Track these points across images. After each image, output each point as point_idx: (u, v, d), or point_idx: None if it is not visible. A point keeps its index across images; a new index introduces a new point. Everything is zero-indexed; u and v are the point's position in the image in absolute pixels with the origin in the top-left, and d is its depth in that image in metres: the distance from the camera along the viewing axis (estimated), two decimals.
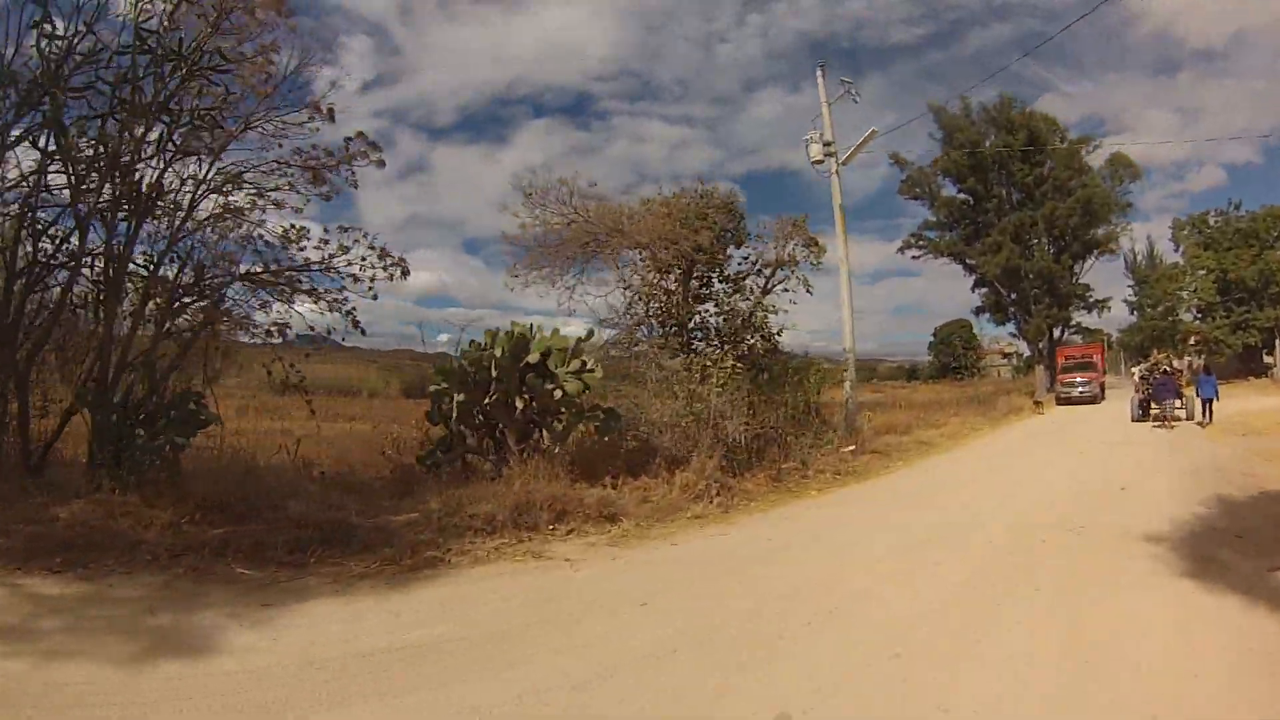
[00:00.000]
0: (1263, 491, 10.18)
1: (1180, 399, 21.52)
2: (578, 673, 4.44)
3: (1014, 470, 14.36)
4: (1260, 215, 43.28)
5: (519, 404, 10.77)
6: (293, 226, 10.79)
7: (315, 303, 10.84)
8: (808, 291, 17.43)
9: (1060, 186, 46.41)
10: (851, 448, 15.38)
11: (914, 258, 50.43)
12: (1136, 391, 23.26)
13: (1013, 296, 47.14)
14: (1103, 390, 35.64)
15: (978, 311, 50.65)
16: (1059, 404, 34.15)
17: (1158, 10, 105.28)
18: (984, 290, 48.94)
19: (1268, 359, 42.29)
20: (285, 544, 6.94)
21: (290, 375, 11.16)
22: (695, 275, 16.95)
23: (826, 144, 19.18)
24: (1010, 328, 49.40)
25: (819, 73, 20.04)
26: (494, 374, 10.53)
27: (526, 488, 8.68)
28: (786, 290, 17.52)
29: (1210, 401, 20.41)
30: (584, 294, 16.67)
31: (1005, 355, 78.06)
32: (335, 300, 10.94)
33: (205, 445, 9.73)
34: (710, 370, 12.86)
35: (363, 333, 11.51)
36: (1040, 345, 47.17)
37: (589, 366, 11.08)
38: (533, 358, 10.70)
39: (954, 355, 75.31)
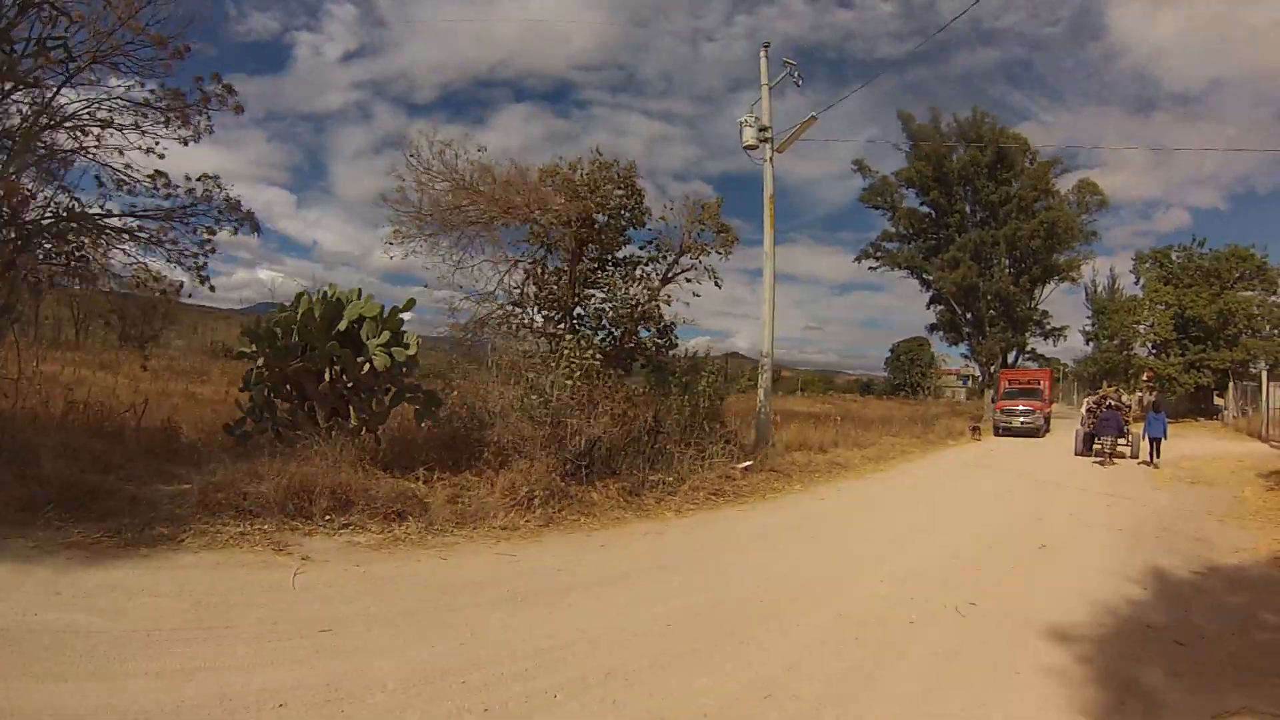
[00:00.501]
0: (1213, 567, 7.97)
1: (1125, 436, 20.37)
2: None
3: (921, 509, 12.16)
4: (1223, 255, 41.92)
5: (328, 375, 9.85)
6: (158, 173, 10.29)
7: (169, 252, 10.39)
8: (715, 284, 15.56)
9: (1025, 207, 45.39)
10: (747, 464, 13.42)
11: (871, 268, 48.89)
12: (1082, 424, 21.75)
13: (968, 316, 45.62)
14: (1047, 422, 30.61)
15: (932, 329, 49.13)
16: (996, 434, 29.08)
17: (1138, 49, 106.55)
18: (940, 307, 47.32)
19: (1218, 401, 40.94)
20: (16, 501, 6.66)
21: (129, 328, 10.21)
22: (588, 256, 14.80)
23: (762, 129, 17.36)
24: (963, 348, 47.82)
25: (762, 53, 18.02)
26: (301, 339, 9.68)
27: (303, 470, 7.86)
28: (690, 280, 15.47)
29: (1159, 441, 18.98)
30: (474, 267, 14.50)
31: (962, 377, 76.75)
32: (186, 254, 10.50)
33: None
34: (565, 357, 11.51)
35: (211, 289, 11.09)
36: (992, 369, 45.54)
37: (405, 340, 10.13)
38: (342, 325, 9.79)
39: (907, 372, 73.24)
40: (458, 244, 14.12)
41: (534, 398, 10.70)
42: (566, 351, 11.63)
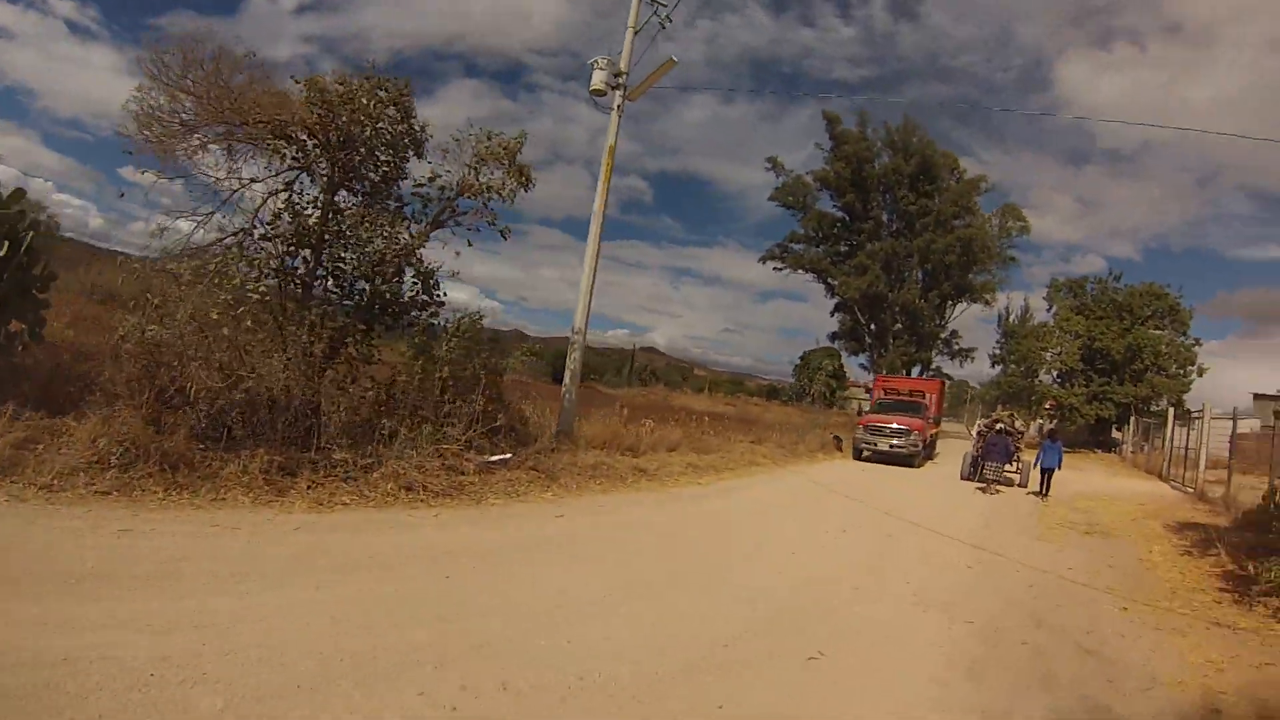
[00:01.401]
0: None
1: (1014, 462, 19.01)
2: None
3: (689, 558, 8.06)
4: (1138, 291, 40.51)
5: None
6: None
7: None
8: (501, 235, 12.28)
9: (944, 222, 42.99)
10: (503, 457, 10.68)
11: (776, 269, 45.82)
12: (972, 448, 20.21)
13: (872, 326, 42.92)
14: (930, 447, 24.59)
15: (834, 337, 46.28)
16: (858, 458, 22.48)
17: (1078, 105, 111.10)
18: (844, 315, 44.59)
19: (1117, 434, 39.22)
20: None
21: None
22: (352, 189, 11.10)
23: (617, 73, 15.12)
24: (864, 359, 45.20)
25: None
26: None
27: None
28: (474, 230, 11.93)
29: (1051, 473, 17.10)
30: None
31: (869, 389, 74.88)
32: None
33: None
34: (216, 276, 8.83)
35: None
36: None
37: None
38: None
39: (810, 380, 71.29)
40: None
41: (153, 328, 8.31)
42: (215, 268, 8.82)
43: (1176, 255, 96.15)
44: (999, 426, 19.76)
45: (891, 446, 21.70)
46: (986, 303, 45.66)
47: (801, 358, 74.09)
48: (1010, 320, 45.31)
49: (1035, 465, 17.43)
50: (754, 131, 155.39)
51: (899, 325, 42.73)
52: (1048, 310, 42.57)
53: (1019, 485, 18.64)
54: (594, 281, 14.97)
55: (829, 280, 43.80)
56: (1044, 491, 16.93)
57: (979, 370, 55.77)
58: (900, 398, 26.68)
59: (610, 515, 9.76)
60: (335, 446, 8.89)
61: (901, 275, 42.64)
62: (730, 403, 49.70)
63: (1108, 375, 38.68)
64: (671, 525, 9.80)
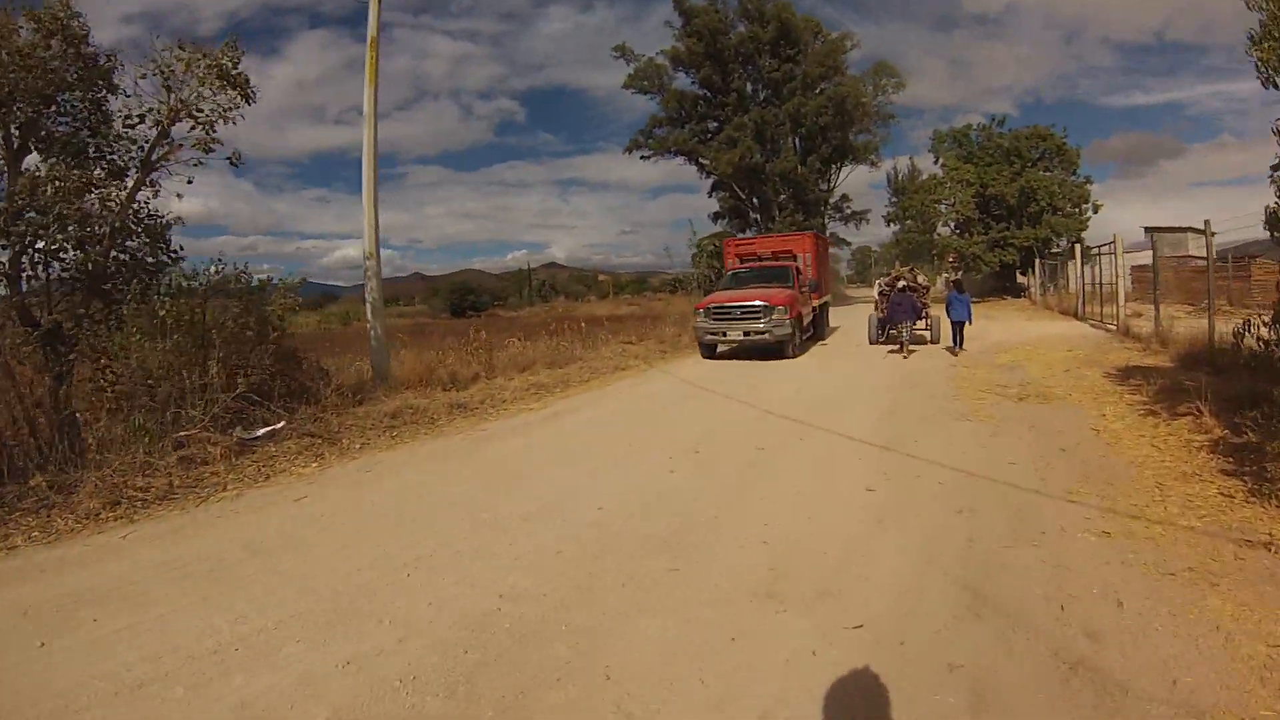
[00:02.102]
0: None
1: (923, 319, 17.54)
2: None
3: (417, 552, 4.96)
4: (1023, 134, 38.60)
5: None
6: None
7: None
8: (231, 162, 9.89)
9: (812, 85, 40.10)
10: (273, 428, 8.86)
11: (643, 158, 42.51)
12: (876, 309, 18.85)
13: (754, 201, 40.01)
14: (812, 325, 19.18)
15: (715, 216, 43.32)
16: (708, 356, 17.20)
17: None
18: (722, 193, 41.72)
19: (1022, 279, 37.91)
20: None
21: None
22: (37, 149, 8.41)
23: None
24: (752, 234, 42.64)
25: None
26: None
27: None
28: (198, 164, 9.40)
29: (961, 326, 15.93)
30: None
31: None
32: None
33: None
34: None
35: None
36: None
37: None
38: None
39: (710, 266, 69.19)
40: None
41: None
42: None
43: (1051, 107, 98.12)
44: (901, 284, 18.16)
45: (748, 334, 16.07)
46: (872, 164, 43.51)
47: (698, 245, 72.54)
48: (899, 179, 43.14)
49: (946, 318, 16.20)
50: (615, 36, 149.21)
51: (783, 196, 40.05)
52: (935, 163, 40.51)
53: (932, 343, 17.36)
54: (377, 195, 12.56)
55: (700, 160, 40.70)
56: (957, 346, 15.75)
57: (879, 233, 54.22)
58: (761, 265, 19.57)
59: (374, 485, 6.98)
60: (32, 468, 6.81)
61: (776, 144, 39.78)
62: (634, 303, 48.82)
63: (1005, 221, 37.13)
64: (443, 487, 6.77)
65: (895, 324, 16.69)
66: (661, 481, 6.57)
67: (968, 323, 15.76)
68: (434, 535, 5.36)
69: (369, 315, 12.20)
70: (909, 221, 39.72)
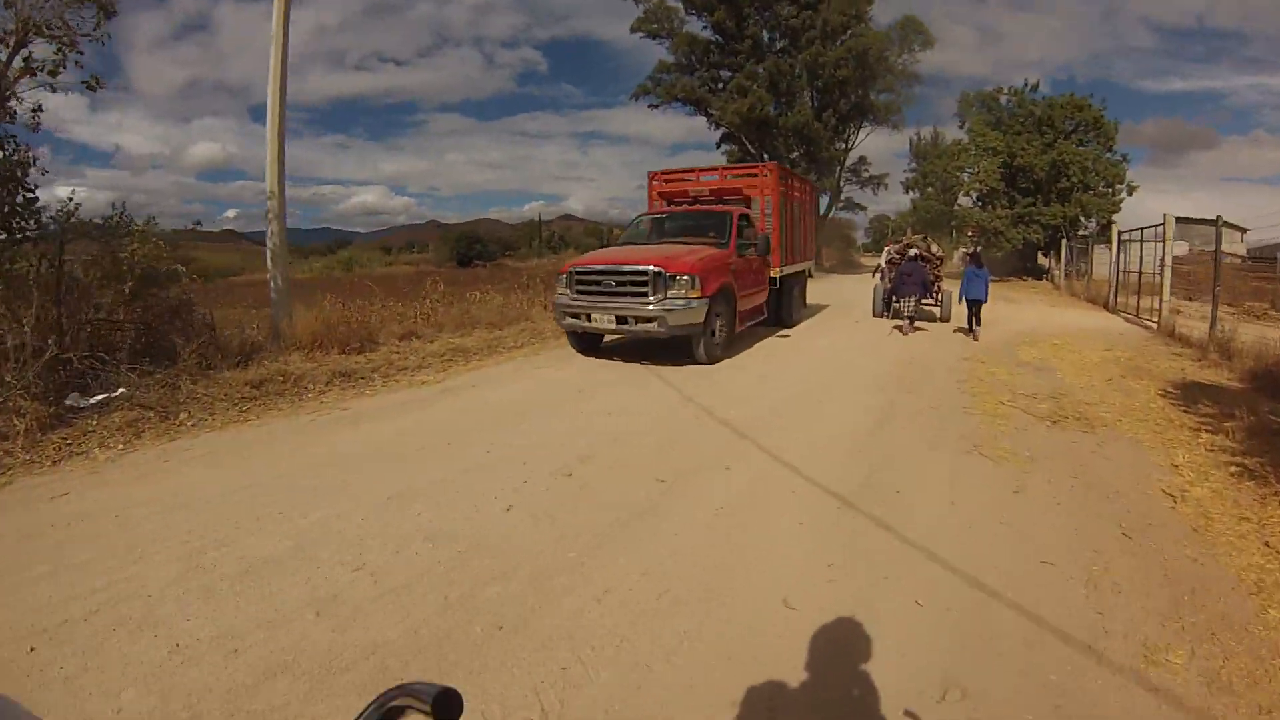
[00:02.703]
0: None
1: (932, 295, 15.67)
2: None
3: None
4: (1058, 103, 34.77)
5: None
6: None
7: None
8: (88, 86, 8.95)
9: (832, 34, 36.82)
10: (102, 396, 7.34)
11: (652, 105, 39.35)
12: (882, 279, 17.23)
13: (765, 156, 37.01)
14: (736, 311, 11.39)
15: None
16: (574, 347, 11.45)
17: None
18: (731, 147, 38.74)
19: (1043, 260, 35.10)
20: None
21: None
22: None
23: None
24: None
25: None
26: None
27: None
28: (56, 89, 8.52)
29: (978, 306, 13.83)
30: None
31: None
32: None
33: None
34: None
35: None
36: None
37: None
38: None
39: None
40: None
41: None
42: None
43: (1082, 87, 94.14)
44: (913, 252, 16.14)
45: (624, 320, 10.00)
46: (894, 126, 40.52)
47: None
48: (921, 143, 40.06)
49: (960, 299, 13.90)
50: None
51: (795, 153, 37.06)
52: (960, 127, 37.41)
53: (941, 320, 15.75)
54: (284, 126, 10.65)
55: (710, 111, 37.64)
56: (972, 328, 13.77)
57: (899, 203, 51.07)
58: (695, 209, 13.46)
59: (154, 483, 5.33)
60: None
61: (791, 97, 36.70)
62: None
63: (1032, 196, 34.08)
64: (212, 499, 4.73)
65: (901, 297, 14.70)
66: (481, 525, 4.37)
67: (984, 302, 13.69)
68: (118, 583, 3.63)
69: (269, 263, 10.41)
70: (929, 189, 36.77)
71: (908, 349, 12.07)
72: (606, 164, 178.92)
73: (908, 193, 39.58)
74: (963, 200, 35.97)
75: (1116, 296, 20.02)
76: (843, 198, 42.25)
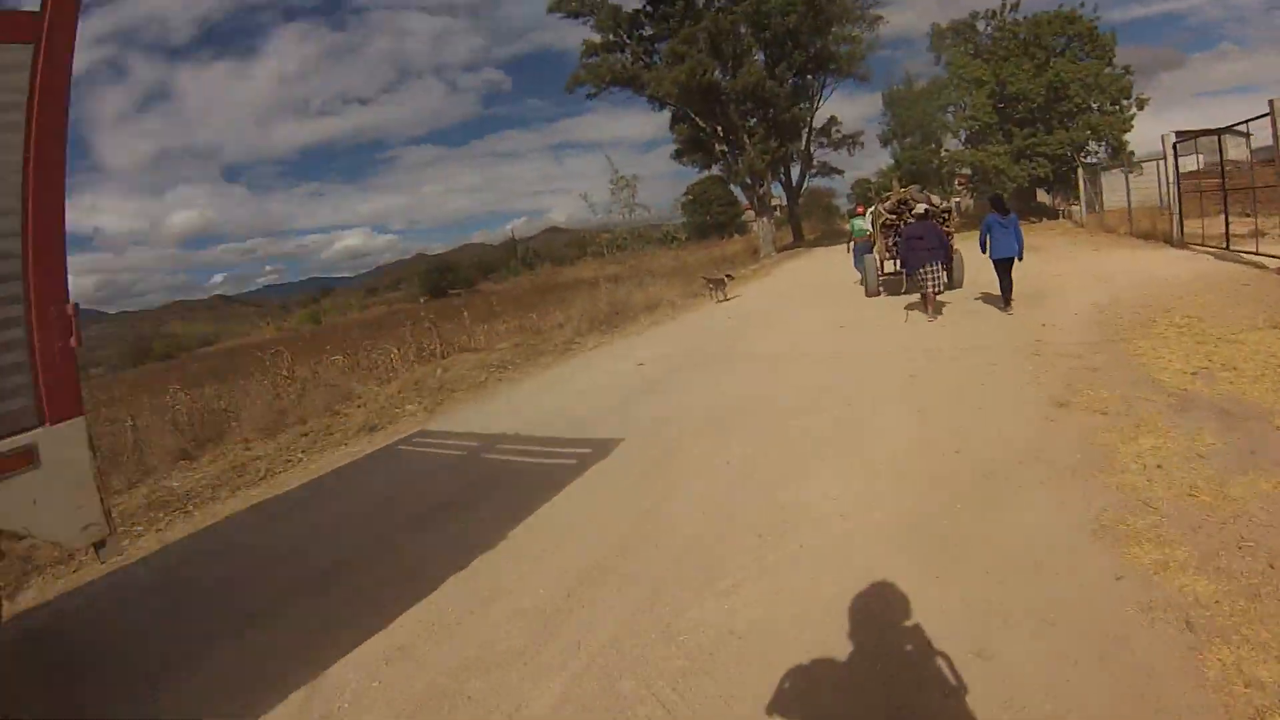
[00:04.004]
0: None
1: (949, 263, 11.22)
2: None
3: None
4: (1044, 19, 29.96)
5: None
6: None
7: None
8: None
9: None
10: None
11: (589, 96, 34.19)
12: (873, 247, 14.40)
13: (719, 130, 32.05)
14: None
15: (678, 154, 35.09)
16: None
17: None
18: (682, 125, 33.62)
19: (1042, 197, 30.97)
20: None
21: None
22: None
23: None
24: (720, 169, 34.88)
25: None
26: None
27: None
28: None
29: (1010, 265, 10.23)
30: None
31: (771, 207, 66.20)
32: None
33: None
34: None
35: None
36: (761, 191, 32.91)
37: None
38: None
39: (706, 213, 63.31)
40: None
41: None
42: None
43: None
44: (921, 208, 12.60)
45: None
46: (861, 78, 35.17)
47: (687, 191, 64.94)
48: (894, 89, 34.92)
49: (987, 257, 10.55)
50: None
51: (753, 120, 32.13)
52: (937, 62, 32.45)
53: (953, 286, 11.98)
54: None
55: (645, 88, 32.58)
56: (1007, 299, 10.37)
57: (879, 163, 46.07)
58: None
59: None
60: None
61: (739, 58, 31.49)
62: (620, 262, 42.11)
63: (1031, 126, 29.34)
64: None
65: (916, 268, 10.80)
66: None
67: (1018, 259, 10.24)
68: None
69: None
70: (908, 139, 31.89)
71: (934, 344, 8.47)
72: (583, 171, 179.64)
73: (885, 146, 34.68)
74: (950, 144, 31.30)
75: (1181, 226, 15.27)
76: (816, 163, 37.30)
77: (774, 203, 48.82)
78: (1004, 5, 30.92)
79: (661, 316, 15.05)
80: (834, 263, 19.70)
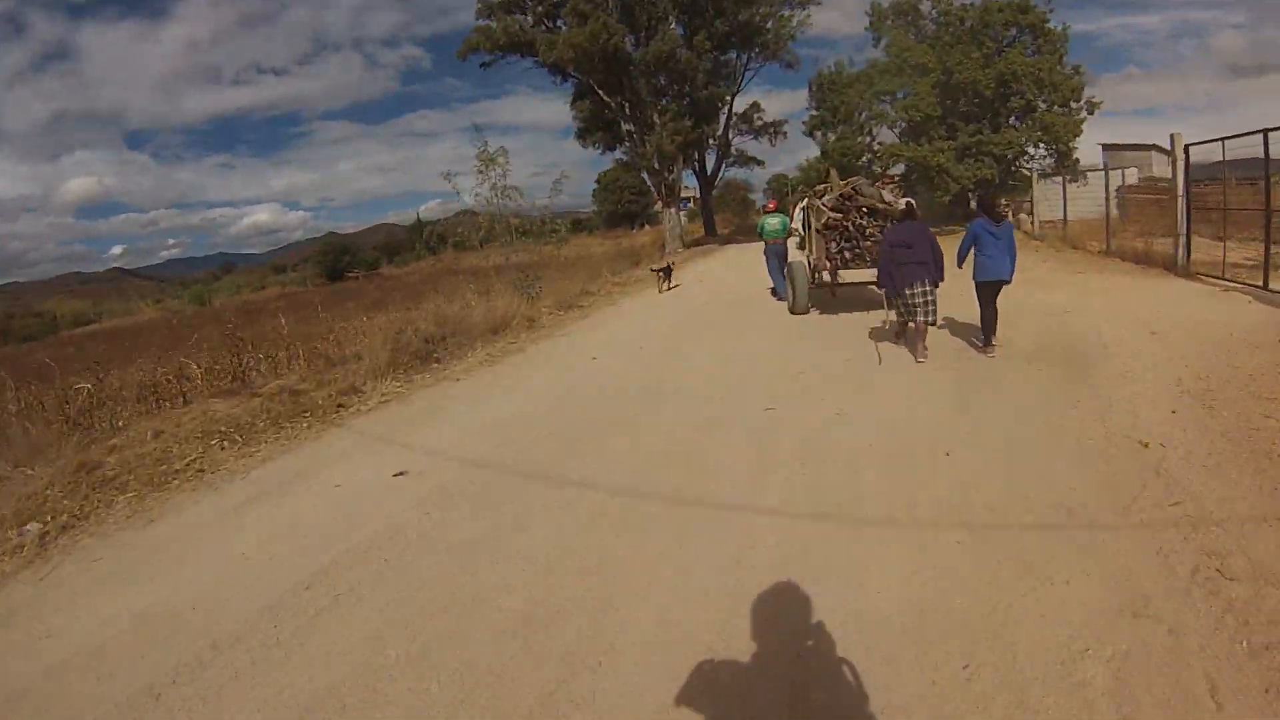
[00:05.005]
0: None
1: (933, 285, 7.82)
2: None
3: None
4: (993, 6, 26.53)
5: None
6: None
7: None
8: None
9: None
10: None
11: (483, 65, 29.56)
12: (801, 247, 11.79)
13: (627, 109, 27.81)
14: None
15: (580, 135, 30.53)
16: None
17: None
18: (584, 102, 29.06)
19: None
20: None
21: None
22: None
23: None
24: (623, 153, 30.71)
25: None
26: None
27: None
28: None
29: (998, 291, 7.67)
30: None
31: (682, 199, 63.10)
32: None
33: None
34: None
35: None
36: (670, 178, 28.78)
37: None
38: None
39: (617, 202, 61.34)
40: None
41: None
42: None
43: None
44: (902, 202, 9.72)
45: None
46: (788, 65, 31.91)
47: (598, 179, 62.98)
48: (825, 74, 31.07)
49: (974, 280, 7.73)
50: None
51: (665, 97, 28.09)
52: (875, 47, 28.85)
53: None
54: None
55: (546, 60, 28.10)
56: (988, 337, 7.64)
57: (803, 157, 42.57)
58: None
59: None
60: None
61: (652, 27, 27.35)
62: (529, 249, 39.88)
63: (977, 121, 26.17)
64: None
65: (902, 289, 7.79)
66: None
67: (1009, 283, 7.65)
68: None
69: None
70: (841, 127, 28.32)
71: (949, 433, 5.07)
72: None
73: (811, 134, 30.93)
74: (883, 136, 28.09)
75: (1189, 250, 12.04)
76: (734, 151, 33.61)
77: (686, 194, 45.08)
78: None
79: (502, 350, 10.64)
80: (752, 261, 15.87)
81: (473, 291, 13.69)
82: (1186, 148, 12.08)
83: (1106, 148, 26.97)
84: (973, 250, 7.66)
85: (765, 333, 9.85)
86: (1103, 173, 20.65)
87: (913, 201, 8.65)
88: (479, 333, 10.55)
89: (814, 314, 10.90)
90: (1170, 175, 12.19)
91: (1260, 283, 9.69)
